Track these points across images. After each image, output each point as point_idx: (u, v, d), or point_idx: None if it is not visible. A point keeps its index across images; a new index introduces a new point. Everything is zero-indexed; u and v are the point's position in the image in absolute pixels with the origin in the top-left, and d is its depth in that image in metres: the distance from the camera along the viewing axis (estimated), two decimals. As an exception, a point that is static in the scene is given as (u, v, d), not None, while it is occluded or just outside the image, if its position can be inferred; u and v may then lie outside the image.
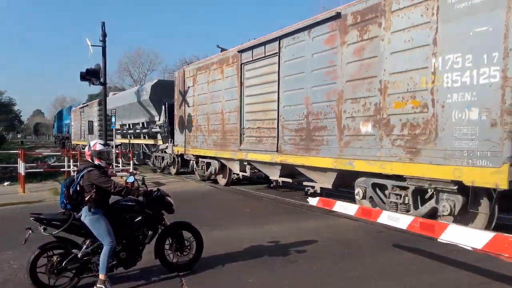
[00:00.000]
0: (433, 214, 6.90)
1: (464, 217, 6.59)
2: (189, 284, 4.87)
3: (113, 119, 17.03)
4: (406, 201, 7.23)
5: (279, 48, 9.93)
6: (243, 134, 11.52)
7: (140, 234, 4.92)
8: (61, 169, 15.33)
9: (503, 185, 5.58)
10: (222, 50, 13.30)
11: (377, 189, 7.85)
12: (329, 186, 9.07)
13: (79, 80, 13.40)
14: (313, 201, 6.44)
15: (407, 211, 7.19)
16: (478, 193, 6.31)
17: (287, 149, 9.73)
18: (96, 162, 4.76)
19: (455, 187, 6.28)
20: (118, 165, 16.50)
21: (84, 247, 4.67)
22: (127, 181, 4.93)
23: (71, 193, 4.58)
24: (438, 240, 4.37)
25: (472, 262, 5.33)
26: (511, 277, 4.88)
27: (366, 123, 7.63)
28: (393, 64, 7.08)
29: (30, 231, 4.47)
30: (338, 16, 8.21)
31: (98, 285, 4.50)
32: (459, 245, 4.27)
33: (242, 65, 11.45)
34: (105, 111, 14.03)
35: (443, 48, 6.29)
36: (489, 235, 3.88)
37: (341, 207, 5.81)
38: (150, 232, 4.97)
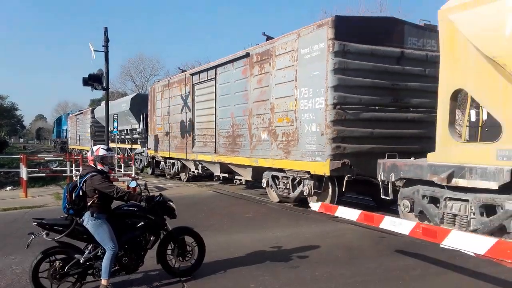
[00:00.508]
0: (303, 195, 10.01)
1: (322, 196, 9.69)
2: (191, 288, 4.90)
3: (115, 124, 17.33)
4: (288, 187, 10.36)
5: (216, 74, 13.08)
6: (195, 139, 14.70)
7: (142, 239, 4.91)
8: (64, 174, 15.47)
9: (328, 173, 8.73)
10: (183, 71, 16.49)
11: (275, 179, 10.98)
12: (250, 178, 12.22)
13: (82, 85, 13.14)
14: (315, 207, 6.65)
15: (289, 193, 10.31)
16: (326, 180, 9.40)
17: (221, 151, 12.88)
18: (99, 167, 4.75)
19: (309, 176, 9.42)
20: (120, 170, 16.72)
21: (87, 252, 4.66)
22: (130, 186, 4.92)
23: (73, 198, 4.57)
24: (441, 245, 4.39)
25: (475, 268, 5.32)
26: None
27: (264, 132, 10.77)
28: (277, 92, 10.23)
29: (33, 236, 4.46)
30: (248, 55, 11.37)
31: None
32: (462, 251, 4.27)
33: (194, 85, 14.63)
34: (107, 116, 14.37)
35: (299, 83, 9.44)
36: (491, 241, 3.86)
37: (343, 212, 5.93)
38: (152, 237, 4.97)
